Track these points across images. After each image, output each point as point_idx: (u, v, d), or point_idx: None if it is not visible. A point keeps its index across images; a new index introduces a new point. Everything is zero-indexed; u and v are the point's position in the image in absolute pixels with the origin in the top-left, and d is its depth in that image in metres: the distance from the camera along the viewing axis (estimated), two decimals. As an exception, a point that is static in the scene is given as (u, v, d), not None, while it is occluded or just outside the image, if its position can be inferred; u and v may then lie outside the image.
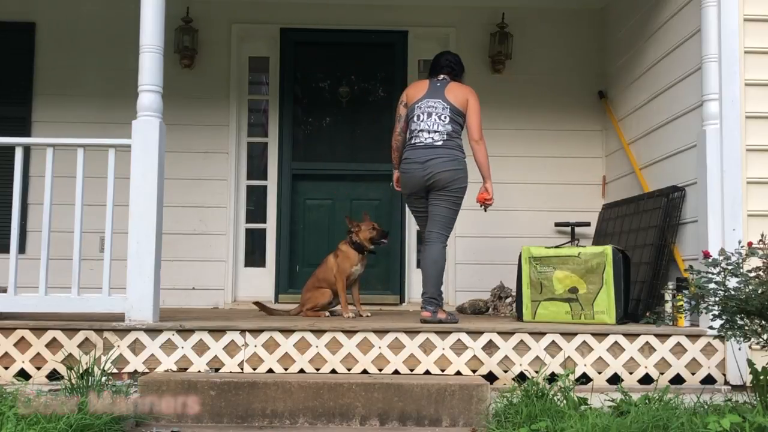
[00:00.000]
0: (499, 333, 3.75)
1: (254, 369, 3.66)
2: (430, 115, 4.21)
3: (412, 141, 4.25)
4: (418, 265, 6.13)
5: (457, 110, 4.23)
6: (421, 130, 4.20)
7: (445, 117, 4.19)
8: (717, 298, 3.12)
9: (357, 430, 3.28)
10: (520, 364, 3.72)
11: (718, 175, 3.89)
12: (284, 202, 6.09)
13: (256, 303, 4.97)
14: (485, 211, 4.41)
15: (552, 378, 3.48)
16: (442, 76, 4.40)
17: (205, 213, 5.96)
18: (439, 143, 4.16)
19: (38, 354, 3.62)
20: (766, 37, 4.00)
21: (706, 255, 3.29)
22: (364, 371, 3.67)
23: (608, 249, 4.16)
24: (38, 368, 3.61)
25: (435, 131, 4.17)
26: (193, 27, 5.95)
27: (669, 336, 3.77)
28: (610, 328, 3.84)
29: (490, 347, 3.73)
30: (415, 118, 4.26)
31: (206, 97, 6.01)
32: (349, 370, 3.68)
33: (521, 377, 3.63)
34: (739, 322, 3.11)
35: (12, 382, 3.52)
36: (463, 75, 4.58)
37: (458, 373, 3.70)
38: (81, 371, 3.20)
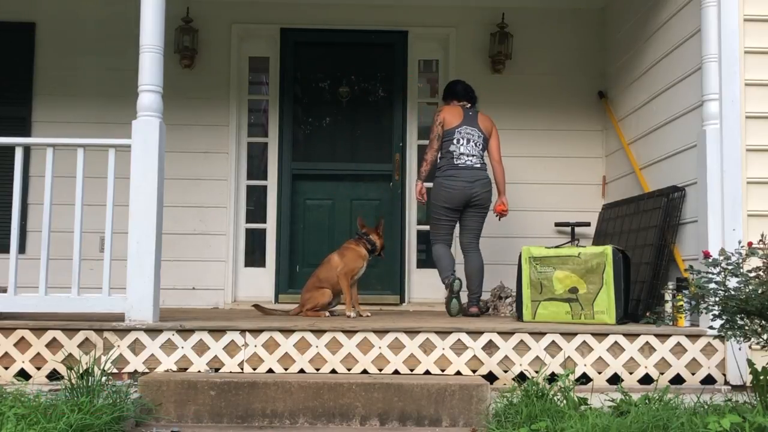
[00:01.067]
0: (499, 333, 3.75)
1: (254, 369, 3.66)
2: (468, 141, 4.90)
3: (455, 162, 4.88)
4: (419, 265, 6.16)
5: (485, 138, 5.00)
6: (462, 153, 4.87)
7: (480, 144, 4.94)
8: (717, 298, 3.11)
9: (357, 430, 3.28)
10: (520, 364, 3.72)
11: (718, 175, 3.89)
12: (284, 202, 6.09)
13: (255, 306, 4.96)
14: (499, 220, 5.12)
15: (552, 378, 3.48)
16: (468, 105, 5.07)
17: (205, 213, 5.96)
18: (479, 166, 4.91)
19: (38, 354, 3.62)
20: (766, 37, 4.00)
21: (706, 255, 3.29)
22: (364, 371, 3.67)
23: (608, 249, 4.16)
24: (38, 368, 3.61)
25: (474, 155, 4.89)
26: (193, 27, 5.95)
27: (669, 336, 3.77)
28: (610, 328, 3.84)
29: (490, 347, 3.73)
30: (455, 141, 4.89)
31: (206, 97, 6.01)
32: (349, 370, 3.68)
33: (521, 377, 3.63)
34: (739, 322, 3.10)
35: (12, 382, 3.51)
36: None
37: (458, 373, 3.69)
38: (81, 371, 3.19)
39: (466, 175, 4.84)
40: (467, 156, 4.86)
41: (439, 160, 4.95)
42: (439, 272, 4.93)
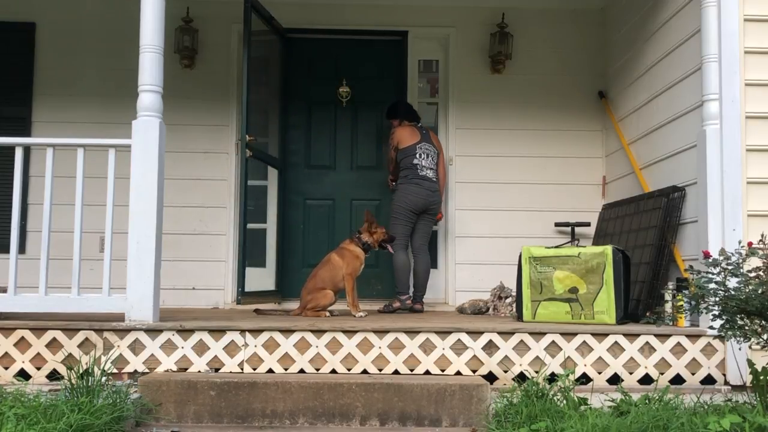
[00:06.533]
0: (499, 333, 3.75)
1: (254, 369, 3.66)
2: (428, 156, 5.48)
3: (419, 173, 5.42)
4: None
5: (437, 153, 5.60)
6: (424, 166, 5.44)
7: (434, 159, 5.53)
8: (717, 298, 3.11)
9: (357, 430, 3.28)
10: (520, 364, 3.72)
11: (718, 175, 3.89)
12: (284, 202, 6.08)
13: (256, 310, 4.94)
14: (436, 225, 5.75)
15: (552, 378, 3.47)
16: (420, 124, 5.63)
17: (205, 213, 5.97)
18: (434, 178, 5.50)
19: (38, 354, 3.62)
20: (766, 37, 4.00)
21: (706, 255, 3.29)
22: (364, 371, 3.67)
23: (608, 249, 4.16)
24: (38, 368, 3.61)
25: (431, 168, 5.48)
26: (193, 27, 5.95)
27: (669, 336, 3.77)
28: (610, 328, 3.84)
29: (490, 347, 3.74)
30: (417, 156, 5.43)
31: (206, 97, 6.02)
32: (349, 370, 3.68)
33: (521, 377, 3.63)
34: (739, 322, 3.11)
35: (12, 382, 3.51)
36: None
37: (458, 373, 3.70)
38: (81, 371, 3.19)
39: (428, 185, 5.42)
40: (427, 168, 5.44)
41: (402, 171, 5.44)
42: (396, 281, 5.35)
